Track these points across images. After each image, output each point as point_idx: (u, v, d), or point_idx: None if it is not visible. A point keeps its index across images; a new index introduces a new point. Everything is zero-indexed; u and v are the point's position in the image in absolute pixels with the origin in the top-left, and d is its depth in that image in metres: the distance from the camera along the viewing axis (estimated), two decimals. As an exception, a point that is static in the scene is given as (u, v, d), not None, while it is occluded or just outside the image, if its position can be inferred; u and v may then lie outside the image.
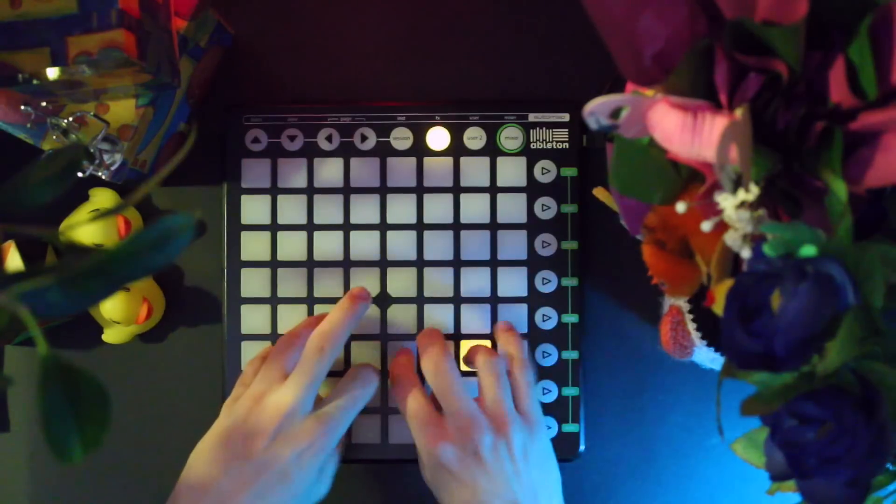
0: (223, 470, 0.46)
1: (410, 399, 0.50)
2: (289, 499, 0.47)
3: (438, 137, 0.56)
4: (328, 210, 0.56)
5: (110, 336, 0.56)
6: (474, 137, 0.56)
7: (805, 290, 0.29)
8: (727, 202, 0.31)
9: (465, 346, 0.55)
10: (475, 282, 0.56)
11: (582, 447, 0.56)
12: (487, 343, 0.56)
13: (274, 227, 0.56)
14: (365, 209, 0.56)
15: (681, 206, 0.33)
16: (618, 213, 0.42)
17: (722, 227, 0.32)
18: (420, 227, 0.56)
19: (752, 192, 0.30)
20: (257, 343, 0.55)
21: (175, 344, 0.57)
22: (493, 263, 0.56)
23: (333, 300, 0.55)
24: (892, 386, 0.30)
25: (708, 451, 0.57)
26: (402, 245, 0.56)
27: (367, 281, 0.56)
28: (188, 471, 0.47)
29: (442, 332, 0.55)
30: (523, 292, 0.56)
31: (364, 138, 0.56)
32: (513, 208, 0.56)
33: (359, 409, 0.51)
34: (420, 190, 0.56)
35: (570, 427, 0.56)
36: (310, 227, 0.56)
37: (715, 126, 0.31)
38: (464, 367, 0.55)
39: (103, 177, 0.50)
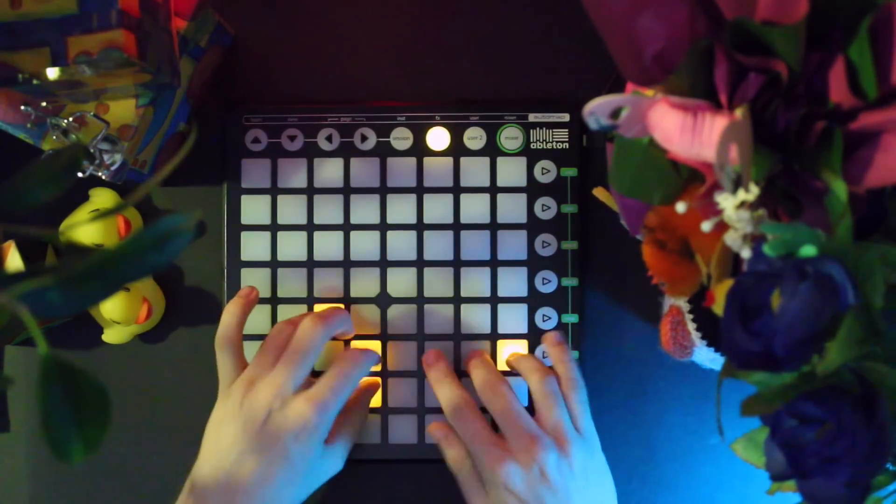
0: (230, 457, 0.47)
1: (472, 423, 0.50)
2: (293, 477, 0.48)
3: (438, 137, 0.56)
4: (328, 210, 0.56)
5: (110, 336, 0.56)
6: (474, 137, 0.56)
7: (805, 290, 0.29)
8: (727, 202, 0.31)
9: (466, 347, 0.55)
10: (475, 282, 0.56)
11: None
12: (520, 345, 0.55)
13: (274, 227, 0.56)
14: (365, 209, 0.56)
15: (681, 206, 0.33)
16: (618, 213, 0.42)
17: (722, 227, 0.32)
18: (420, 227, 0.56)
19: (752, 192, 0.30)
20: (257, 343, 0.55)
21: (175, 344, 0.57)
22: (493, 263, 0.56)
23: (333, 300, 0.55)
24: (892, 386, 0.30)
25: (708, 451, 0.57)
26: (402, 245, 0.56)
27: (367, 281, 0.56)
28: (202, 461, 0.49)
29: (480, 351, 0.55)
30: (523, 292, 0.56)
31: (364, 138, 0.56)
32: (513, 208, 0.56)
33: (351, 387, 0.51)
34: (420, 190, 0.56)
35: (570, 427, 0.55)
36: (310, 227, 0.56)
37: (715, 126, 0.31)
38: (503, 367, 0.55)
39: (103, 177, 0.50)
